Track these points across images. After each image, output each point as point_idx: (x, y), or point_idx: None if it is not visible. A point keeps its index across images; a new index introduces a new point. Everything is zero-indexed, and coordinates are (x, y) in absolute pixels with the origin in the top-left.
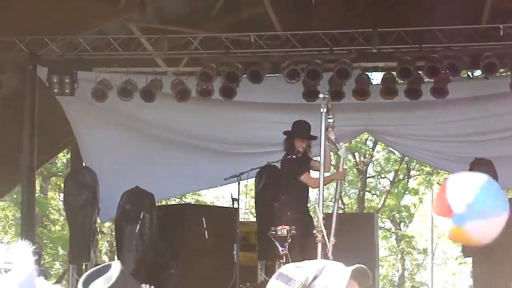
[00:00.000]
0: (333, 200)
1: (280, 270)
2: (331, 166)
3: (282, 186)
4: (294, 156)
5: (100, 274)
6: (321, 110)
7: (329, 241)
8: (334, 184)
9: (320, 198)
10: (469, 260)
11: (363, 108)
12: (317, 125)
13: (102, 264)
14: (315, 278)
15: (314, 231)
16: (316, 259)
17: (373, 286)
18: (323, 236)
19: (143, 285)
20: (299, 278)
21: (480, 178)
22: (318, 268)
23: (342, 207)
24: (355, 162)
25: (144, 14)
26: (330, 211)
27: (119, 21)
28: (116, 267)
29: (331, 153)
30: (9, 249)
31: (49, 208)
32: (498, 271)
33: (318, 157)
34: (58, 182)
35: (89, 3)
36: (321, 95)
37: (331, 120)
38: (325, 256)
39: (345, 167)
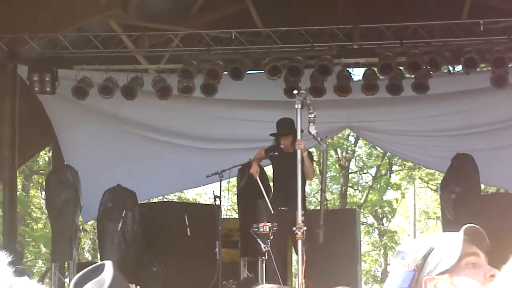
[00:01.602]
0: (315, 195)
1: (397, 248)
2: (313, 162)
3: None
4: (276, 153)
5: (92, 276)
6: (296, 106)
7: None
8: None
9: (299, 196)
10: None
11: (344, 104)
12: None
13: (94, 265)
14: (430, 250)
15: (294, 228)
16: (298, 255)
17: (355, 281)
18: (302, 233)
19: (131, 285)
20: (413, 251)
21: None
22: (432, 241)
23: (325, 202)
24: (337, 158)
25: (125, 11)
26: (312, 208)
27: (100, 19)
28: (109, 269)
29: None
30: None
31: (31, 207)
32: None
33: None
34: (40, 180)
35: (70, 1)
36: (295, 92)
37: (312, 115)
38: (305, 252)
39: (327, 162)
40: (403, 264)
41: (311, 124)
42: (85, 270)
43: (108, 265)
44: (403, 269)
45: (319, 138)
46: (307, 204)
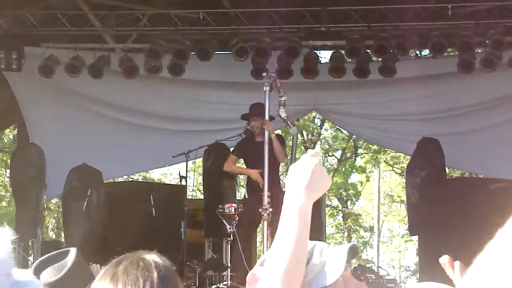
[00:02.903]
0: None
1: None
2: (284, 144)
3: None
4: (242, 134)
5: (53, 261)
6: (264, 89)
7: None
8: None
9: (265, 176)
10: (415, 238)
11: (311, 87)
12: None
13: (58, 251)
14: (308, 262)
15: (260, 209)
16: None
17: None
18: (269, 214)
19: (93, 265)
20: None
21: None
22: (307, 251)
23: None
24: (302, 140)
25: None
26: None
27: None
28: (71, 255)
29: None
30: None
31: None
32: (444, 249)
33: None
34: (5, 158)
35: None
36: (264, 74)
37: (283, 99)
38: (271, 234)
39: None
40: None
41: (281, 107)
42: (48, 255)
43: (72, 252)
44: None
45: (289, 121)
46: (282, 186)
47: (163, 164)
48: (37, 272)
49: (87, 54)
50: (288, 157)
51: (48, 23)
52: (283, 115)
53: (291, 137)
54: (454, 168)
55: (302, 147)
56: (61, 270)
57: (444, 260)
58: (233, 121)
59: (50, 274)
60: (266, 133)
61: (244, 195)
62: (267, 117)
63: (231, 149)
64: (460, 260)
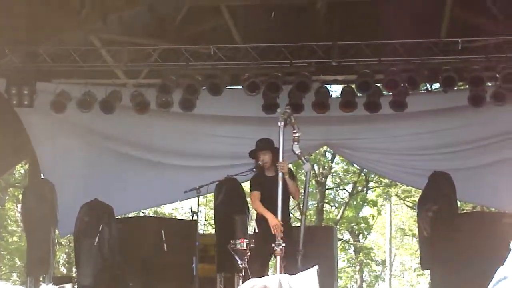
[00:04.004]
0: (291, 212)
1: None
2: (295, 179)
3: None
4: (253, 169)
5: None
6: (279, 124)
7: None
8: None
9: (278, 211)
10: (427, 272)
11: (322, 121)
12: (278, 139)
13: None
14: None
15: (273, 245)
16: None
17: None
18: (282, 249)
19: None
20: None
21: None
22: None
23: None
24: (314, 174)
25: (105, 24)
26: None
27: (80, 32)
28: None
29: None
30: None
31: (7, 219)
32: (456, 283)
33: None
34: (16, 193)
35: (50, 14)
36: (279, 110)
37: (297, 134)
38: (283, 268)
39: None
40: None
41: (295, 143)
42: None
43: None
44: None
45: (303, 158)
46: (292, 220)
47: (175, 199)
48: None
49: (98, 89)
50: (301, 192)
51: (60, 59)
52: (297, 151)
53: (303, 172)
54: (465, 201)
55: (313, 181)
56: None
57: None
58: (244, 156)
59: None
60: (280, 174)
61: (254, 229)
62: (281, 153)
63: (242, 184)
64: None
